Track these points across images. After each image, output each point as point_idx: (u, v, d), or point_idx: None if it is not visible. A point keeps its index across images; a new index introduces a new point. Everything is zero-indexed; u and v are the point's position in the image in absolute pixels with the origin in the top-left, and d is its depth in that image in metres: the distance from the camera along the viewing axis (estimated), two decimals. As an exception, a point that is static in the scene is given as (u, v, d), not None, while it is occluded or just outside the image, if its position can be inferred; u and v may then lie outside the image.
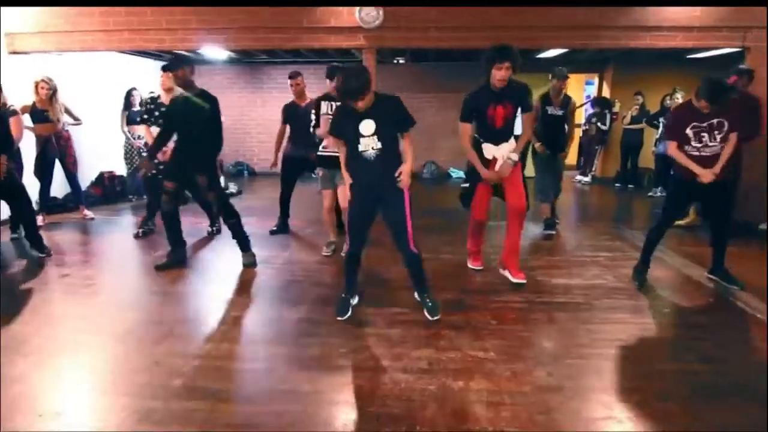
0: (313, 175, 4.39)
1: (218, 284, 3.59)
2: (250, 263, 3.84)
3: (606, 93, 8.53)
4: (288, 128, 4.75)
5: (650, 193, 7.03)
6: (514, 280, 3.41)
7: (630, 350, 2.58)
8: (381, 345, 2.61)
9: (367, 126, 2.68)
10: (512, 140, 3.30)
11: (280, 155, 4.84)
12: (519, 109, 3.25)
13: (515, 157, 3.25)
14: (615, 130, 8.02)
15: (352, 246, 2.92)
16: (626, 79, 8.21)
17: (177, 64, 3.64)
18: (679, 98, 6.62)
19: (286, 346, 2.62)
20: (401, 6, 4.74)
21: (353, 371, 2.39)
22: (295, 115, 4.63)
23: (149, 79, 7.81)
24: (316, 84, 8.65)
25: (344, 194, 2.91)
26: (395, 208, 2.79)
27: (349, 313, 2.94)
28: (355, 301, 3.05)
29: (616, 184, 7.74)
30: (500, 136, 3.26)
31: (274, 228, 4.90)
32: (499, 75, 3.05)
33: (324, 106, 3.97)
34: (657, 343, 2.67)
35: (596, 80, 9.10)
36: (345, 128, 2.75)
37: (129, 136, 6.03)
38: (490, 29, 4.81)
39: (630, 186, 7.53)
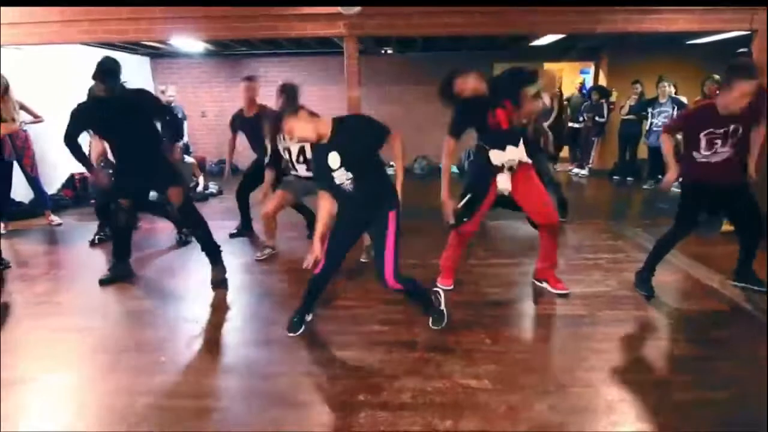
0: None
1: (181, 302, 3.24)
2: (218, 281, 3.33)
3: (602, 82, 8.21)
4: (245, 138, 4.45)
5: (645, 186, 6.77)
6: (556, 291, 3.11)
7: (641, 375, 2.27)
8: (358, 373, 2.29)
9: (333, 159, 2.37)
10: (521, 144, 2.87)
11: (250, 161, 4.56)
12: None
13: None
14: (612, 120, 7.71)
15: (326, 268, 2.56)
16: (622, 68, 7.89)
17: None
18: (666, 86, 6.35)
19: (248, 378, 2.29)
20: (387, 6, 4.38)
21: (325, 409, 2.07)
22: (242, 126, 4.34)
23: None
24: (299, 77, 8.31)
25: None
26: (378, 237, 2.48)
27: (302, 329, 2.65)
28: (310, 317, 2.75)
29: (615, 177, 7.43)
30: (508, 139, 2.84)
31: (234, 231, 4.54)
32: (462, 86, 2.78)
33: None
34: (671, 366, 2.36)
35: (592, 69, 8.78)
36: (322, 168, 2.44)
37: (92, 136, 5.60)
38: (478, 14, 4.45)
39: (629, 178, 7.23)
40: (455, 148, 2.86)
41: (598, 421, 1.96)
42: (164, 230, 4.66)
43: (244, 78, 4.37)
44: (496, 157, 2.86)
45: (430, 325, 2.66)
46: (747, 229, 3.06)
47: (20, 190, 5.32)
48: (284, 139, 3.62)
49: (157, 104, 3.23)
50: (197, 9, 4.54)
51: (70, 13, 4.67)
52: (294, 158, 3.68)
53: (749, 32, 4.51)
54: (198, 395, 2.15)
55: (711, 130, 2.80)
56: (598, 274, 3.46)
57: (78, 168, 6.27)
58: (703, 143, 2.84)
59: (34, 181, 5.10)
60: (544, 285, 3.19)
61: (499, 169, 2.87)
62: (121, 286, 3.40)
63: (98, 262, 4.02)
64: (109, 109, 3.02)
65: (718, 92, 4.18)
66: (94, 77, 3.02)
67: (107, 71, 2.99)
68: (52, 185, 6.07)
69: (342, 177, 2.38)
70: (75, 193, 6.38)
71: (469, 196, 2.95)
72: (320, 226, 2.50)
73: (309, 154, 3.65)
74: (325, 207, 2.51)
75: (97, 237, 4.47)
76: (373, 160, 2.46)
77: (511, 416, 1.96)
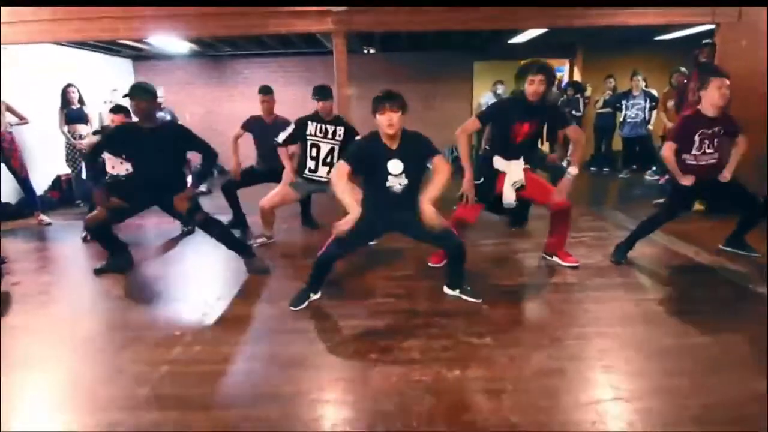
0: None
1: (188, 284, 3.35)
2: (258, 269, 3.34)
3: (577, 78, 8.56)
4: (254, 142, 4.53)
5: (621, 175, 7.10)
6: (568, 264, 3.30)
7: (630, 328, 2.47)
8: (367, 338, 2.43)
9: (396, 165, 2.60)
10: (522, 160, 3.14)
11: (246, 164, 4.56)
12: (551, 128, 3.27)
13: (574, 171, 3.15)
14: (588, 114, 8.04)
15: (334, 251, 2.68)
16: (596, 64, 8.26)
17: (136, 93, 3.19)
18: (640, 80, 6.71)
19: (263, 345, 2.40)
20: (376, 6, 4.54)
21: (339, 367, 2.19)
22: (259, 130, 4.44)
23: (102, 75, 7.39)
24: (283, 77, 8.45)
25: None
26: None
27: (305, 305, 2.76)
28: (317, 296, 2.85)
29: (591, 168, 7.75)
30: (515, 152, 3.11)
31: (226, 224, 4.59)
32: (531, 89, 2.91)
33: (311, 127, 3.80)
34: (657, 320, 2.56)
35: (566, 67, 9.14)
36: (369, 164, 2.65)
37: (69, 136, 5.61)
38: (462, 11, 4.67)
39: (605, 169, 7.56)
40: (474, 130, 3.10)
41: (592, 366, 2.14)
42: (162, 223, 4.70)
43: (262, 90, 4.45)
44: (498, 162, 3.15)
45: (465, 297, 2.79)
46: (745, 206, 3.33)
47: (6, 191, 5.30)
48: (317, 134, 3.78)
49: (194, 138, 3.33)
50: (188, 6, 4.64)
51: (62, 11, 4.71)
52: (322, 157, 3.77)
53: (711, 26, 4.86)
54: (217, 361, 2.25)
55: (703, 130, 3.09)
56: (584, 250, 3.68)
57: (64, 170, 6.27)
58: (696, 143, 3.11)
59: (24, 182, 5.07)
60: (555, 259, 3.39)
61: (499, 173, 3.15)
62: (121, 276, 3.43)
63: (93, 255, 4.05)
64: (144, 138, 3.22)
65: (685, 81, 4.51)
66: (133, 100, 3.18)
67: (148, 101, 3.19)
68: (38, 186, 6.02)
69: (396, 182, 2.60)
70: (61, 195, 6.34)
71: (475, 182, 3.17)
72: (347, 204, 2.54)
73: (329, 156, 3.79)
74: (351, 195, 2.58)
75: (87, 234, 4.48)
76: (422, 174, 2.71)
77: (514, 365, 2.13)
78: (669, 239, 3.87)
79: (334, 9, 4.58)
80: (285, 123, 4.18)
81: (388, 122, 2.51)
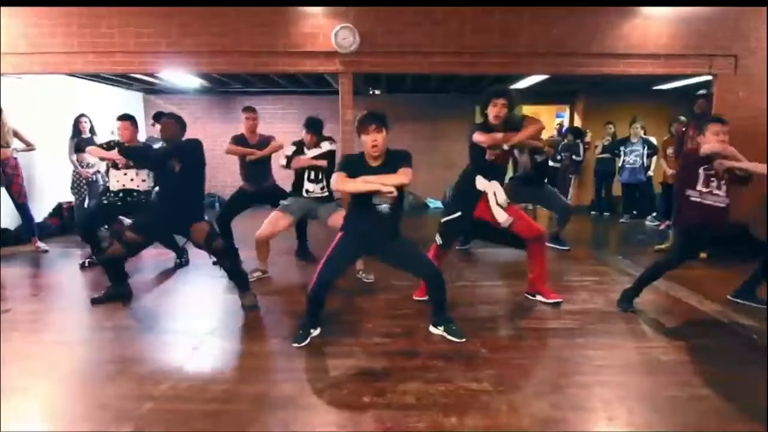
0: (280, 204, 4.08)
1: (179, 317, 3.27)
2: (250, 306, 3.25)
3: (577, 123, 8.72)
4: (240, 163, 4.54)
5: (622, 220, 7.10)
6: (551, 301, 3.33)
7: (634, 377, 2.38)
8: (362, 379, 2.34)
9: None
10: (500, 181, 3.25)
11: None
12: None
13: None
14: (588, 158, 8.14)
15: (325, 277, 2.67)
16: (597, 110, 8.44)
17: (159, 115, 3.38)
18: (638, 127, 6.84)
19: (253, 384, 2.31)
20: (383, 6, 4.66)
21: (331, 410, 2.10)
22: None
23: (109, 106, 7.52)
24: (290, 114, 8.64)
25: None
26: (403, 246, 2.79)
27: (307, 341, 2.70)
28: (317, 331, 2.80)
29: (592, 212, 7.78)
30: (492, 171, 3.23)
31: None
32: (494, 111, 3.10)
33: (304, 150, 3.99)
34: (661, 368, 2.47)
35: (566, 112, 9.33)
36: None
37: (77, 164, 5.64)
38: (468, 54, 4.81)
39: (605, 213, 7.57)
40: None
41: (597, 417, 2.05)
42: (157, 255, 4.66)
43: (244, 108, 4.56)
44: (479, 183, 3.21)
45: (448, 336, 2.76)
46: (757, 255, 3.19)
47: (6, 217, 5.29)
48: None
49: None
50: (203, 43, 4.79)
51: (77, 44, 4.85)
52: (306, 176, 3.91)
53: (708, 77, 4.98)
54: (205, 400, 2.16)
55: (708, 166, 3.02)
56: (585, 294, 3.61)
57: (66, 197, 6.28)
58: (701, 178, 3.03)
59: (22, 208, 5.07)
60: (538, 298, 3.36)
61: (482, 193, 3.20)
62: (116, 306, 3.37)
63: (89, 283, 4.00)
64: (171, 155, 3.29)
65: (684, 129, 4.56)
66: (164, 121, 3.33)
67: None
68: (39, 213, 6.03)
69: (383, 199, 2.60)
70: (62, 222, 6.33)
71: (459, 214, 3.24)
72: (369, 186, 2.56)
73: (320, 174, 3.91)
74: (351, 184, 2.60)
75: (87, 261, 4.44)
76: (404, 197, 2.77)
77: (514, 414, 2.04)
78: (671, 286, 3.80)
79: (341, 50, 4.70)
80: (268, 140, 4.38)
81: (372, 142, 2.56)
